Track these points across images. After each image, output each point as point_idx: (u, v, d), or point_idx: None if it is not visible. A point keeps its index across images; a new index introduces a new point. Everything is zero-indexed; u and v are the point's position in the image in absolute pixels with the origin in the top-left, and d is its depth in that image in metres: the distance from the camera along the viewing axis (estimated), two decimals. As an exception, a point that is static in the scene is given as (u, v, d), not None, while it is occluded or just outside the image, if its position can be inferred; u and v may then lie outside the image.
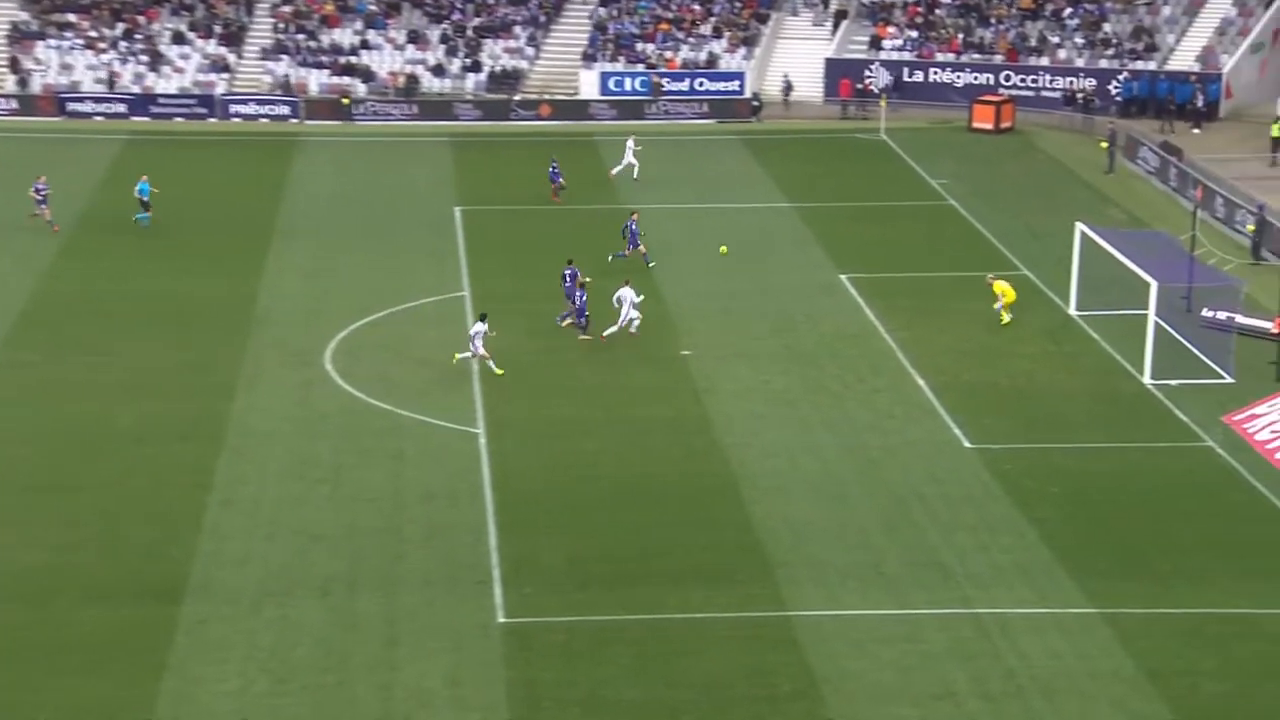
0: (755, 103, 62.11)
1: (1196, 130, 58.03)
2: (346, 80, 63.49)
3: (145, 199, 47.32)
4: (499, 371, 35.50)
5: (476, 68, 64.59)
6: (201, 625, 26.16)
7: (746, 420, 34.21)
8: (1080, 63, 61.94)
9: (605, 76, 63.40)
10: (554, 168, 50.35)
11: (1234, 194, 48.06)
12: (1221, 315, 38.79)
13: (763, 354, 38.00)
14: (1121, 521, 29.75)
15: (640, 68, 63.84)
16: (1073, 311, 40.20)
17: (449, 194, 51.91)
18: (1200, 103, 58.53)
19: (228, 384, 35.84)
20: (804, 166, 54.66)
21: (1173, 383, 35.85)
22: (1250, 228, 45.02)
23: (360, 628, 26.20)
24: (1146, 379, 36.07)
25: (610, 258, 43.06)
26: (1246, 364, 36.41)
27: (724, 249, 39.47)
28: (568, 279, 39.43)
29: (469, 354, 35.94)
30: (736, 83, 63.08)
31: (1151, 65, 61.09)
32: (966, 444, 33.09)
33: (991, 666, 25.06)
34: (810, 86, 63.99)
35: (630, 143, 53.00)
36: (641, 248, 43.27)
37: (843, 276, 43.12)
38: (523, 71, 64.77)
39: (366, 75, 63.87)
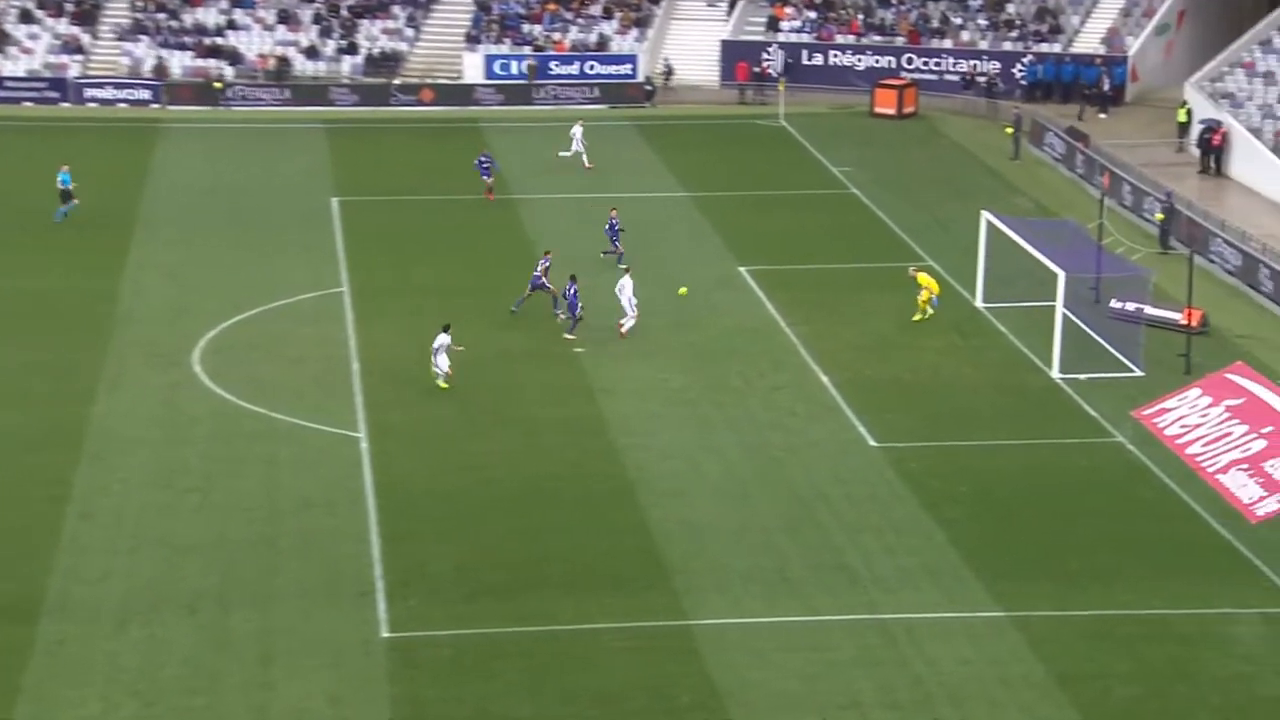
0: (649, 87, 62.25)
1: (1103, 115, 59.20)
2: (212, 63, 62.58)
3: (68, 188, 46.20)
4: (444, 385, 34.84)
5: (352, 50, 64.00)
6: (60, 646, 25.67)
7: (644, 420, 34.28)
8: (984, 45, 62.89)
9: (490, 59, 63.16)
10: (484, 160, 49.08)
11: (1142, 181, 49.12)
12: (1130, 306, 39.61)
13: (660, 351, 38.10)
14: (1030, 521, 30.27)
15: (527, 50, 63.69)
16: (979, 303, 40.82)
17: (325, 184, 51.41)
18: (1106, 86, 59.70)
19: (87, 388, 35.19)
20: (700, 154, 54.91)
21: (1081, 377, 36.54)
22: (1158, 216, 46.03)
23: (233, 645, 25.88)
24: (1054, 373, 36.73)
25: (603, 254, 42.86)
26: (1155, 357, 37.23)
27: (683, 290, 39.01)
28: (539, 271, 39.52)
29: (446, 370, 34.81)
30: (629, 66, 63.18)
31: (1056, 48, 62.22)
32: (871, 442, 33.46)
33: (898, 674, 25.37)
34: (706, 70, 64.30)
35: (577, 130, 52.90)
36: (619, 245, 42.99)
37: (742, 269, 43.38)
38: (402, 54, 64.30)
39: (234, 58, 63.00)
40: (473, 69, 63.23)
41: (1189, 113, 54.85)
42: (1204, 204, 47.62)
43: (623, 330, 38.25)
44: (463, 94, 61.76)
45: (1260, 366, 36.94)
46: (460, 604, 27.08)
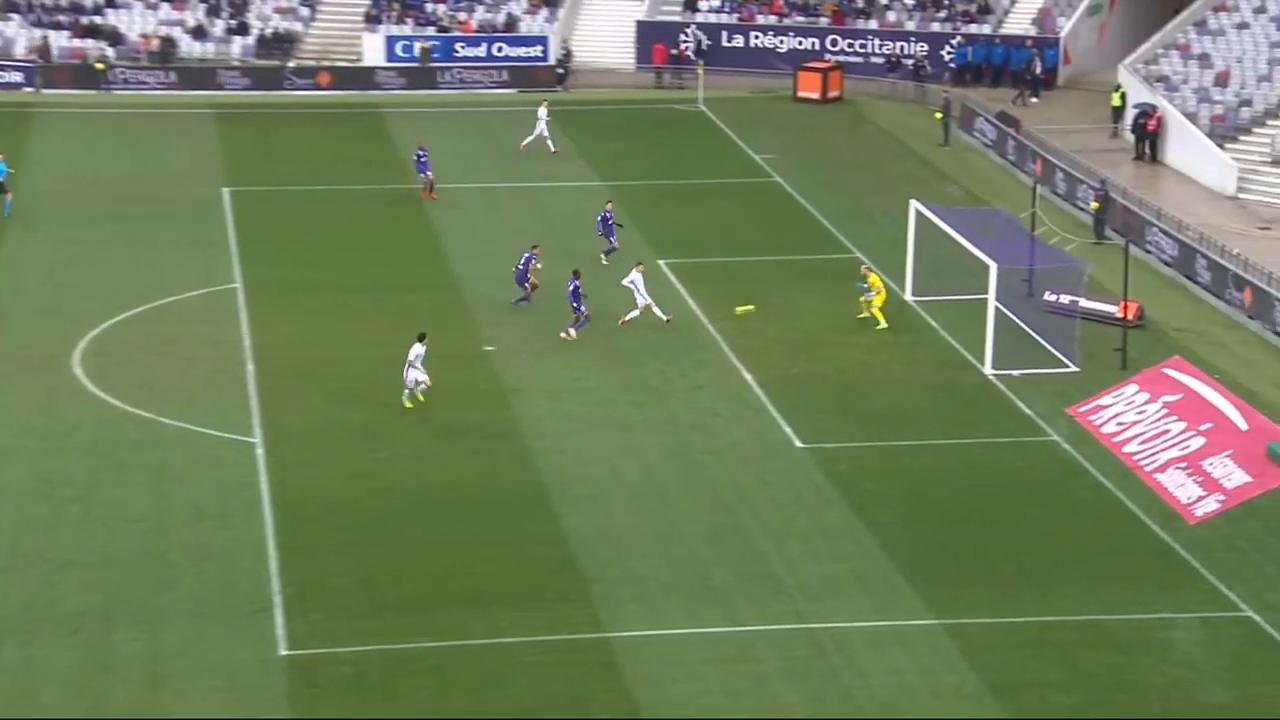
0: (560, 70, 62.17)
1: (1035, 99, 59.91)
2: (91, 43, 61.70)
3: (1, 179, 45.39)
4: (409, 405, 34.13)
5: (243, 30, 63.38)
6: (-68, 672, 25.23)
7: (558, 422, 34.25)
8: (911, 26, 63.45)
9: (391, 41, 62.82)
10: (420, 154, 48.30)
11: (1075, 168, 49.77)
12: (1064, 299, 40.11)
13: (575, 349, 38.07)
14: (963, 524, 30.58)
15: (431, 31, 63.40)
16: (909, 297, 41.15)
17: (215, 173, 50.92)
18: (1038, 69, 60.42)
19: (-41, 393, 34.61)
20: (616, 140, 54.93)
21: (1015, 373, 36.95)
22: (1093, 205, 46.66)
23: (119, 667, 25.56)
24: (987, 369, 37.12)
25: (603, 255, 42.67)
26: (1091, 351, 37.73)
27: (749, 307, 38.43)
28: (522, 264, 39.46)
29: (412, 386, 34.01)
30: (539, 48, 63.09)
31: (986, 29, 62.88)
32: (798, 443, 33.64)
33: (827, 686, 25.52)
34: (620, 52, 64.33)
35: (541, 112, 52.66)
36: (614, 241, 42.75)
37: (661, 262, 43.46)
38: (297, 35, 63.79)
39: (114, 38, 62.16)
40: (373, 51, 62.85)
41: (1123, 97, 55.65)
42: (1139, 192, 48.34)
43: (624, 320, 38.58)
44: (362, 77, 61.39)
45: (1198, 360, 37.58)
46: (364, 619, 26.91)
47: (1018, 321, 39.06)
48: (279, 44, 63.05)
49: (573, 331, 38.04)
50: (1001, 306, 38.06)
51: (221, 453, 32.62)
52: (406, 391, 34.29)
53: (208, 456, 32.47)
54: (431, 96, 60.42)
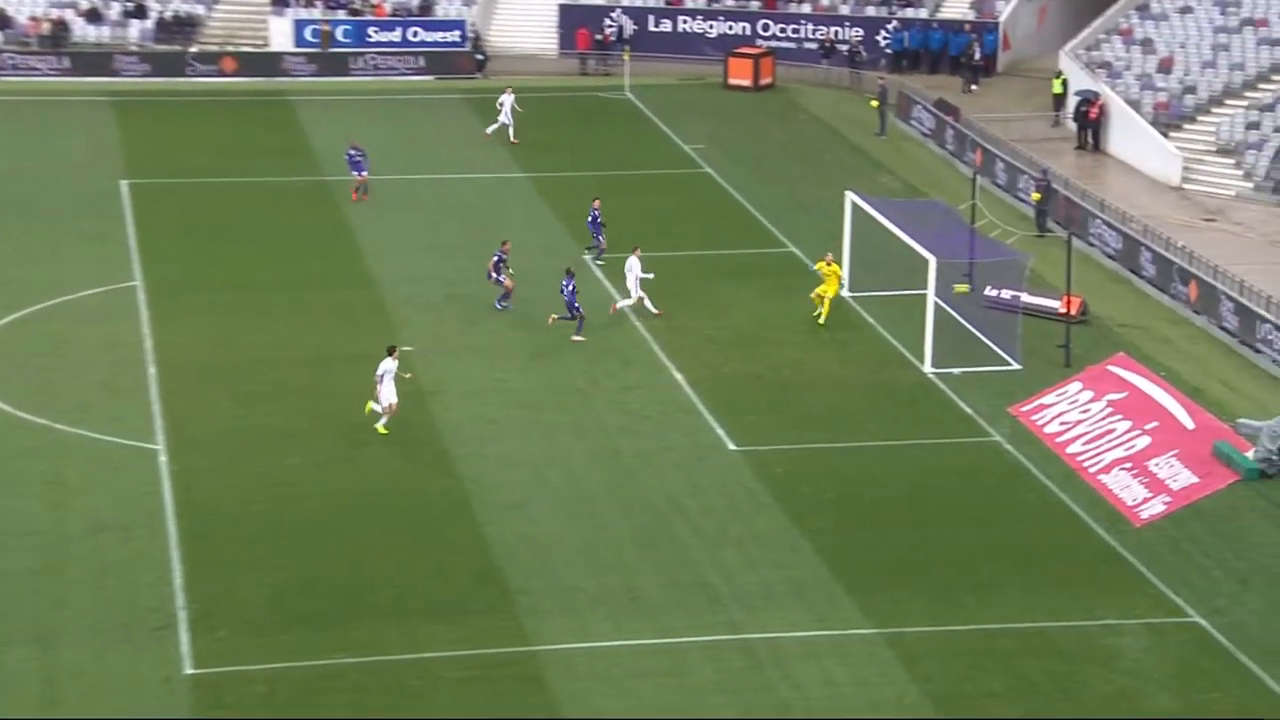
0: (480, 56, 62.09)
1: (974, 87, 60.46)
2: (-23, 27, 61.04)
3: None
4: (383, 431, 33.24)
5: (141, 13, 62.83)
6: None
7: (480, 426, 34.23)
8: (845, 10, 63.84)
9: (300, 25, 62.48)
10: (354, 153, 47.28)
11: (1016, 158, 50.30)
12: (1006, 294, 40.54)
13: (497, 348, 38.07)
14: (902, 529, 30.85)
15: (342, 15, 63.12)
16: (845, 292, 41.43)
17: (113, 164, 50.49)
18: (976, 55, 60.99)
19: None
20: (538, 130, 54.92)
21: (955, 371, 37.31)
22: (1034, 196, 47.18)
23: (11, 689, 25.34)
24: (927, 368, 37.46)
25: (586, 250, 42.70)
26: (1033, 348, 38.17)
27: (963, 287, 37.89)
28: (495, 263, 39.41)
29: (385, 408, 32.88)
30: (457, 33, 62.96)
31: (923, 13, 63.39)
32: (731, 446, 33.81)
33: (763, 699, 25.69)
34: (543, 37, 64.31)
35: (507, 98, 52.64)
36: (602, 240, 42.65)
37: (586, 256, 43.52)
38: (199, 18, 63.30)
39: (2, 21, 61.42)
40: (280, 36, 62.49)
41: (1064, 84, 56.29)
42: (1082, 182, 48.94)
43: (614, 308, 39.16)
44: (269, 64, 61.03)
45: (1143, 357, 38.11)
46: (275, 635, 26.80)
47: (958, 318, 39.43)
48: (180, 28, 62.55)
49: (579, 336, 38.08)
50: (941, 302, 38.42)
51: (121, 460, 32.37)
52: (380, 414, 33.00)
53: (106, 465, 32.20)
54: (343, 84, 60.18)
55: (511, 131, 52.73)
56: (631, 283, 39.43)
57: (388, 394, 33.12)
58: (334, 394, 35.43)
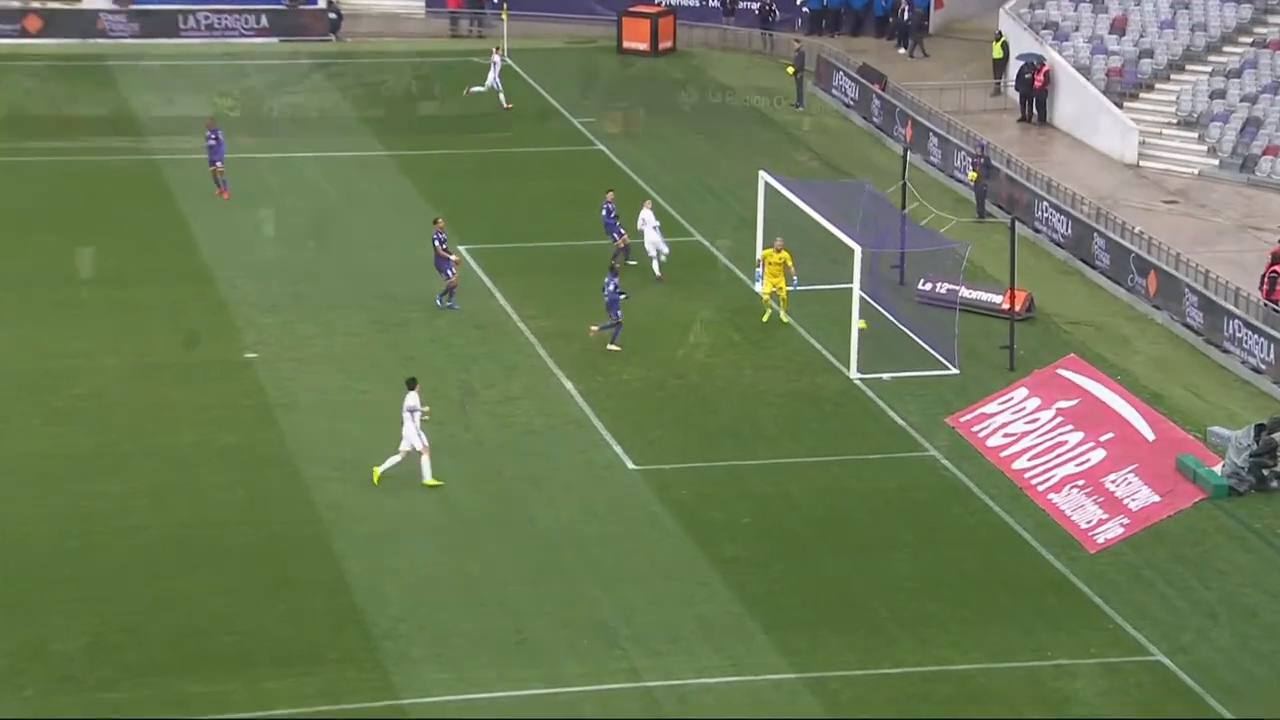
0: (333, 15, 61.86)
1: (901, 50, 61.08)
2: None
3: None
4: (375, 480, 32.51)
5: (-64, -36, 62.00)
6: None
7: (337, 445, 34.14)
8: (757, -36, 64.23)
9: (120, -23, 62.03)
10: (212, 137, 46.30)
11: (951, 132, 50.90)
12: (941, 288, 41.02)
13: (357, 355, 37.99)
14: (827, 558, 31.13)
15: (172, -34, 62.69)
16: (757, 288, 41.72)
17: (-97, 141, 49.88)
18: (905, 15, 61.61)
19: None
20: (403, 101, 54.84)
21: (884, 376, 37.70)
22: (972, 175, 47.78)
23: None
24: (852, 373, 37.82)
25: (618, 250, 42.39)
26: (973, 350, 38.65)
27: (862, 324, 37.72)
28: (438, 250, 39.52)
29: (406, 451, 31.85)
30: (307, -13, 62.74)
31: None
32: (630, 465, 33.97)
33: (670, 756, 25.88)
34: (408, -8, 64.25)
35: (496, 58, 52.94)
36: (623, 236, 42.15)
37: (462, 248, 43.51)
38: (2, -31, 62.60)
39: None
40: (98, -9, 62.01)
41: (1005, 47, 57.03)
42: (1026, 160, 49.60)
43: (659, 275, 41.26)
44: (83, 23, 60.57)
45: (1096, 359, 38.71)
46: (95, 691, 26.59)
47: (887, 315, 39.83)
48: (-22, -18, 61.85)
49: (615, 345, 38.12)
50: (868, 298, 38.79)
51: (-82, 490, 32.01)
52: (418, 458, 32.09)
53: (-99, 495, 31.82)
54: (172, 47, 59.75)
55: (502, 97, 53.05)
56: (655, 238, 40.99)
57: (410, 435, 32.17)
58: (164, 408, 35.19)
